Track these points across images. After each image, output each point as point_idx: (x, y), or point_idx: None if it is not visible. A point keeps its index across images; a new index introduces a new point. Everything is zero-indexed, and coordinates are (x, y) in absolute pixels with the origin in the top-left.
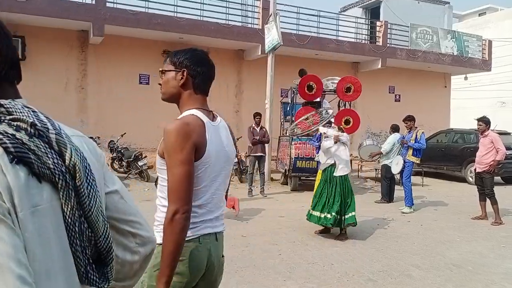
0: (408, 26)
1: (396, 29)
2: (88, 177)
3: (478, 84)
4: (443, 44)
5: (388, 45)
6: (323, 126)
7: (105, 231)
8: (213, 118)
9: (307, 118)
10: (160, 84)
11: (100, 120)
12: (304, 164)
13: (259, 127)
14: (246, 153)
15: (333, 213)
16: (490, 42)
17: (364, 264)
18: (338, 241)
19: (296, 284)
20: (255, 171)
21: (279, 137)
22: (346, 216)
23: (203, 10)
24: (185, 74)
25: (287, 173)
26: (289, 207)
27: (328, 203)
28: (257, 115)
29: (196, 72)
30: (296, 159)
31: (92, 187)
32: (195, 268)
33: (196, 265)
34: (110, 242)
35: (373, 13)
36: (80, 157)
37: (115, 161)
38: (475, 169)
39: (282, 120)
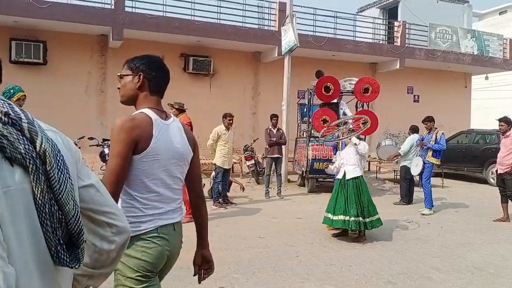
0: (426, 26)
1: (414, 29)
2: (59, 164)
3: (499, 84)
4: (463, 43)
5: (406, 45)
6: (344, 134)
7: (75, 214)
8: (165, 117)
9: (338, 125)
10: (119, 88)
11: None
12: (321, 166)
13: (276, 129)
14: (263, 154)
15: (352, 217)
16: (511, 41)
17: (383, 266)
18: (356, 243)
19: (314, 286)
20: (272, 172)
21: (296, 138)
22: (368, 219)
23: (220, 13)
24: (141, 77)
25: (304, 174)
26: (306, 209)
27: (347, 206)
28: (274, 117)
29: (151, 75)
30: (313, 161)
31: (63, 173)
32: (156, 259)
33: (156, 255)
34: (81, 225)
35: (391, 13)
36: (51, 145)
37: None
38: (496, 170)
39: (299, 121)
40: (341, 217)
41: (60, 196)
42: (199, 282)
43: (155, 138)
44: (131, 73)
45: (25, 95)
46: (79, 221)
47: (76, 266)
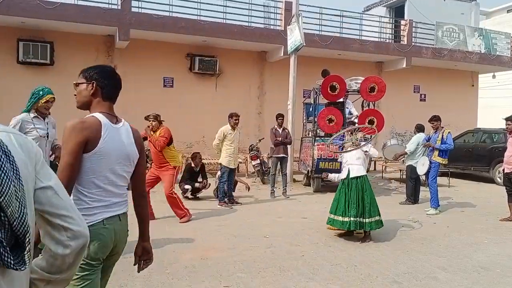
0: (433, 25)
1: (421, 28)
2: (3, 166)
3: (506, 83)
4: (470, 42)
5: (413, 44)
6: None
7: (20, 216)
8: (116, 121)
9: (352, 133)
10: (75, 95)
11: None
12: (327, 165)
13: (281, 128)
14: (269, 154)
15: (351, 218)
16: None
17: (388, 266)
18: (362, 243)
19: (319, 286)
20: (277, 172)
21: (302, 138)
22: (367, 220)
23: (226, 13)
24: (94, 85)
25: (309, 174)
26: (312, 208)
27: (346, 207)
28: (280, 116)
29: (104, 84)
30: (319, 160)
31: (6, 174)
32: (102, 248)
33: (102, 245)
34: (27, 226)
35: (397, 11)
36: None
37: None
38: (503, 170)
39: (304, 121)
40: (340, 218)
41: (2, 198)
42: (138, 271)
43: (103, 139)
44: (86, 82)
45: (54, 97)
46: (24, 223)
47: (22, 269)
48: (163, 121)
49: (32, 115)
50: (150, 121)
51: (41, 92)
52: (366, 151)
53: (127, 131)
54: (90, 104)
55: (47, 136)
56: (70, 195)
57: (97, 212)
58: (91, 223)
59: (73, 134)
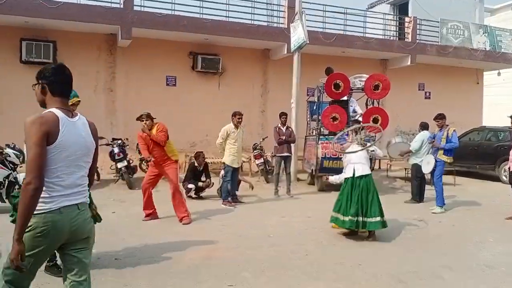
0: (438, 22)
1: (425, 25)
2: None
3: None
4: (475, 39)
5: (417, 41)
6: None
7: None
8: (71, 115)
9: (356, 133)
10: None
11: (128, 122)
12: (331, 164)
13: (285, 127)
14: (272, 153)
15: (350, 217)
16: None
17: (393, 265)
18: (366, 242)
19: (323, 285)
20: (281, 171)
21: (305, 136)
22: (368, 220)
23: (228, 11)
24: (42, 84)
25: (313, 173)
26: (316, 207)
27: (348, 206)
28: (283, 115)
29: (50, 80)
30: (323, 159)
31: None
32: (56, 234)
33: (56, 231)
34: None
35: (401, 9)
36: None
37: (143, 162)
38: (509, 168)
39: (308, 119)
40: (341, 216)
41: None
42: None
43: (61, 133)
44: (37, 82)
45: (79, 101)
46: None
47: None
48: (155, 118)
49: None
50: (143, 121)
51: None
52: (372, 151)
53: (83, 124)
54: (44, 101)
55: None
56: (43, 183)
57: (55, 200)
58: (48, 210)
59: (33, 128)
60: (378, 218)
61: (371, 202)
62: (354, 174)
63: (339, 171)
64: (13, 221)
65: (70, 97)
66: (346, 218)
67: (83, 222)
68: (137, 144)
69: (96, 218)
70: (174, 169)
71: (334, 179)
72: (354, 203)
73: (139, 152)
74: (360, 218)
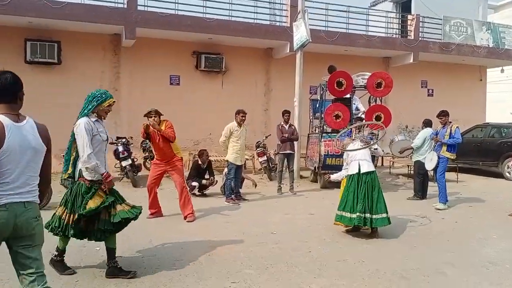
0: (440, 19)
1: (428, 22)
2: None
3: None
4: (478, 36)
5: (420, 38)
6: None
7: None
8: (18, 120)
9: (359, 130)
10: None
11: (133, 121)
12: (334, 161)
13: (288, 125)
14: (275, 151)
15: (358, 213)
16: None
17: (396, 261)
18: (369, 239)
19: (326, 281)
20: (284, 168)
21: (308, 134)
22: (374, 216)
23: (231, 10)
24: None
25: (316, 170)
26: (319, 205)
27: (355, 203)
28: (286, 113)
29: None
30: (325, 156)
31: None
32: (1, 227)
33: (0, 225)
34: None
35: (404, 6)
36: None
37: (148, 160)
38: None
39: (311, 117)
40: (348, 214)
41: None
42: None
43: (7, 139)
44: None
45: (114, 101)
46: None
47: None
48: (163, 115)
49: (93, 119)
50: (152, 117)
51: (103, 96)
52: (375, 149)
53: (31, 127)
54: None
55: (107, 140)
56: None
57: (2, 197)
58: None
59: None
60: (384, 215)
61: (377, 199)
62: (359, 171)
63: (341, 168)
64: None
65: (107, 98)
66: (354, 215)
67: (28, 219)
68: (141, 142)
69: (127, 213)
70: (180, 167)
71: (335, 177)
72: (360, 200)
73: (143, 151)
74: (368, 215)
